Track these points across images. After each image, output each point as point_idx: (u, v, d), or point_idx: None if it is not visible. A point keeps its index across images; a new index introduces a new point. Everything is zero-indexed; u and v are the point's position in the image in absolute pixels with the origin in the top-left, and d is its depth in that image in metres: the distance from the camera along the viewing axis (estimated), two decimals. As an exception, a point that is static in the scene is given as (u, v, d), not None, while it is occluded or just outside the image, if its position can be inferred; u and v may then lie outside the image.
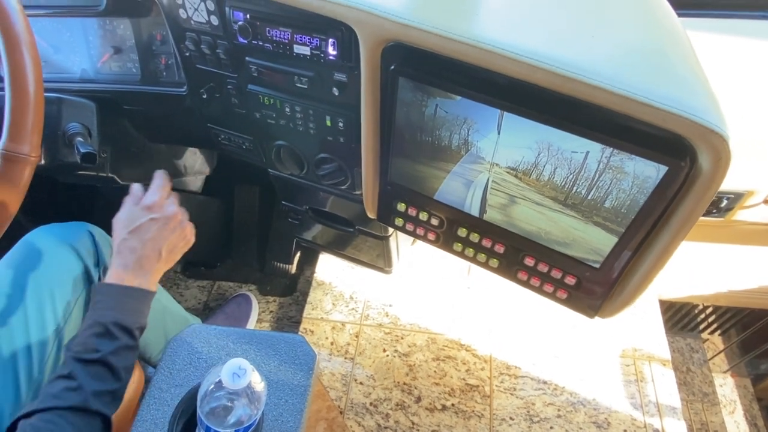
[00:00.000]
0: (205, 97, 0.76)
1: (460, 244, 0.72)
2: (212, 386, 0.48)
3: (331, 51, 0.62)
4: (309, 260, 1.40)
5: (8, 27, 0.52)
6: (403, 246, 1.06)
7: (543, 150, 0.53)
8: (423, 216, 0.72)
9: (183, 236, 0.66)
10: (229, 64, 0.72)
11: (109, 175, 0.88)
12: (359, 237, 0.98)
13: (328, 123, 0.70)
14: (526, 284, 0.70)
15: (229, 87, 0.75)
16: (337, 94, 0.66)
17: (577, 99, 0.47)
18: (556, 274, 0.65)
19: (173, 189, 1.15)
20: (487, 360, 1.11)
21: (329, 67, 0.64)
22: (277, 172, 0.89)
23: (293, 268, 1.35)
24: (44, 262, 0.67)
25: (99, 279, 0.71)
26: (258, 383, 0.48)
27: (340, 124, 0.70)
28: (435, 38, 0.51)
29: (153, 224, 0.63)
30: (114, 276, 0.59)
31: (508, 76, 0.50)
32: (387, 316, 1.19)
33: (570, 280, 0.64)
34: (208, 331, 0.63)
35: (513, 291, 1.21)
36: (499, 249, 0.68)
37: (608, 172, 0.50)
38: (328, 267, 1.31)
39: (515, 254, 0.67)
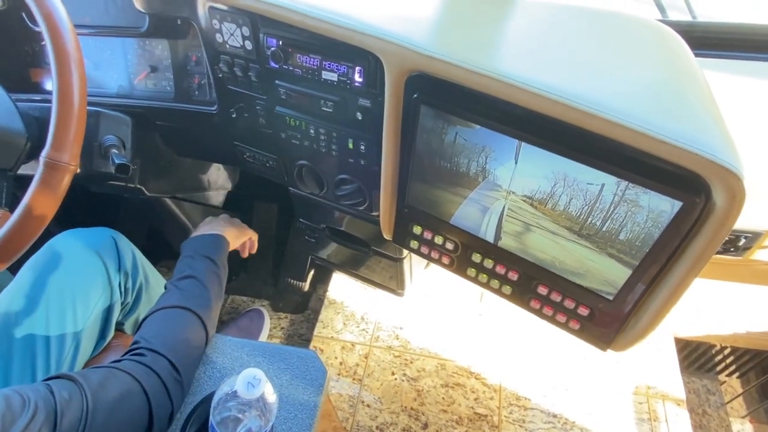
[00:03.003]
0: (234, 116, 0.80)
1: (473, 270, 0.73)
2: (226, 395, 0.49)
3: (357, 78, 0.64)
4: (322, 279, 1.41)
5: (60, 45, 0.56)
6: (416, 269, 1.07)
7: (559, 180, 0.54)
8: (438, 240, 0.73)
9: (232, 220, 0.87)
10: (259, 86, 0.75)
11: (138, 186, 0.92)
12: (373, 258, 0.99)
13: (350, 146, 0.73)
14: (538, 313, 0.71)
15: (257, 107, 0.78)
16: (360, 118, 0.68)
17: (594, 133, 0.49)
18: (569, 304, 0.65)
19: (196, 202, 1.19)
20: (497, 389, 1.10)
21: (354, 93, 0.67)
22: (298, 190, 0.92)
23: (306, 286, 1.36)
24: (68, 266, 0.70)
25: (119, 284, 0.73)
26: (270, 395, 0.49)
27: (362, 147, 0.72)
28: (458, 70, 0.54)
29: (217, 220, 0.86)
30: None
31: (527, 108, 0.52)
32: (397, 338, 1.19)
33: (583, 311, 0.65)
34: (223, 342, 0.64)
35: (525, 320, 1.20)
36: (513, 276, 0.69)
37: (623, 205, 0.51)
38: (341, 286, 1.32)
39: (529, 282, 0.68)
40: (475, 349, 1.17)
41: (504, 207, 0.61)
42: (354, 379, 1.12)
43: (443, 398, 1.09)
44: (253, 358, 0.61)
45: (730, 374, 1.49)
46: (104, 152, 0.73)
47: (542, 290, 0.67)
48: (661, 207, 0.48)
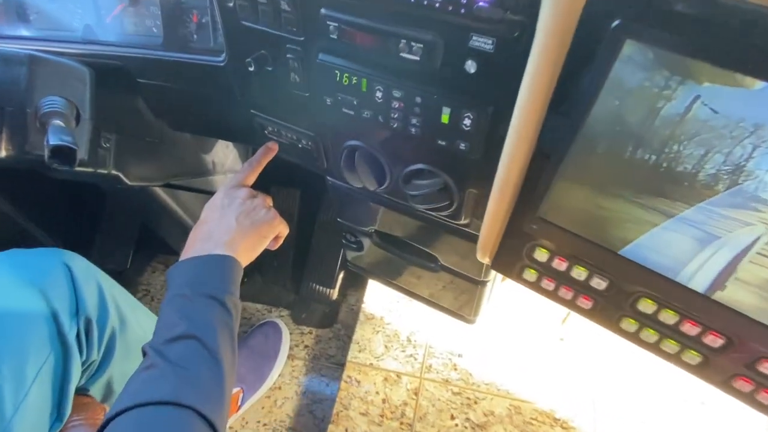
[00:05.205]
0: (252, 69, 0.52)
1: (634, 323, 0.47)
2: None
3: (481, -6, 0.36)
4: (354, 284, 1.15)
5: None
6: (495, 289, 0.81)
7: None
8: (578, 273, 0.46)
9: (254, 206, 0.58)
10: (293, 20, 0.47)
11: (113, 172, 0.65)
12: (442, 275, 0.73)
13: (445, 119, 0.45)
14: (744, 397, 0.44)
15: (289, 56, 0.50)
16: (472, 71, 0.40)
17: None
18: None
19: (197, 190, 0.92)
20: (591, 444, 0.85)
21: (465, 25, 0.38)
22: (341, 182, 0.64)
23: (335, 294, 1.11)
24: None
25: (77, 335, 0.47)
26: None
27: (467, 122, 0.44)
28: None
29: (225, 198, 0.58)
30: (182, 256, 0.51)
31: None
32: (455, 369, 0.94)
33: None
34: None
35: (621, 349, 0.94)
36: (713, 341, 0.42)
37: None
38: (379, 296, 1.06)
39: (742, 354, 0.41)
40: (560, 387, 0.91)
41: (757, 239, 0.33)
42: (402, 423, 0.88)
43: (520, 454, 0.84)
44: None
45: None
46: (42, 123, 0.45)
47: (766, 367, 0.40)
48: None
